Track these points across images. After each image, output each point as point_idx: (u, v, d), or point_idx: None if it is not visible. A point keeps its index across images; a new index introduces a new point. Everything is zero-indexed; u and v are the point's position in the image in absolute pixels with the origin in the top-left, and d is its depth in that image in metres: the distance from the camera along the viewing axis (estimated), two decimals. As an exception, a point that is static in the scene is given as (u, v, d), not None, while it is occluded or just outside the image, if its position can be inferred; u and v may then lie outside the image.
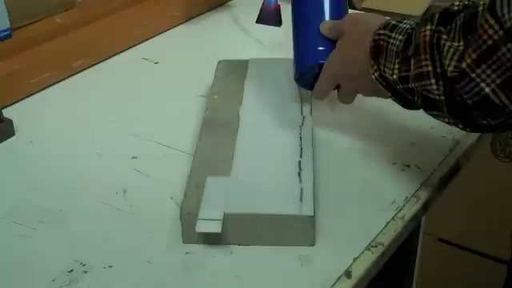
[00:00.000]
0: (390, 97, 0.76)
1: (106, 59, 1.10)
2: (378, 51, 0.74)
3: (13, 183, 0.83)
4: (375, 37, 0.75)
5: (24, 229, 0.75)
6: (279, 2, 1.03)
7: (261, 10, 1.03)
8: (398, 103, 0.76)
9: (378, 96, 0.80)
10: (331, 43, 0.82)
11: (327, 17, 0.84)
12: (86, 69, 1.07)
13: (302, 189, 0.73)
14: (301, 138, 0.81)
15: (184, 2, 1.22)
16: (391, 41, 0.73)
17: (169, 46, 1.15)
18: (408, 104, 0.75)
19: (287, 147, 0.80)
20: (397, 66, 0.71)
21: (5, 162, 0.87)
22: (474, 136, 0.89)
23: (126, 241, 0.73)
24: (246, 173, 0.76)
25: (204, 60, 1.05)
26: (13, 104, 0.98)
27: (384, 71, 0.73)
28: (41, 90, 1.01)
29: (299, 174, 0.75)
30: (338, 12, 0.85)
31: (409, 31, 0.71)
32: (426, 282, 1.18)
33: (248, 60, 0.98)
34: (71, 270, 0.69)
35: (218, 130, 0.84)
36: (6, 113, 0.92)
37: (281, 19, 1.03)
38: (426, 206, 0.79)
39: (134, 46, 1.14)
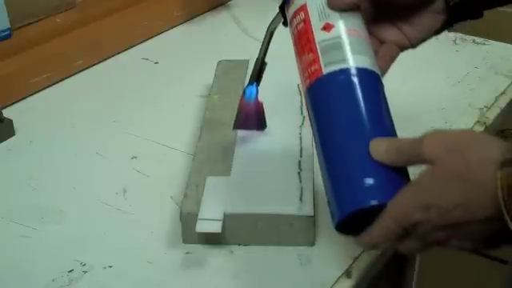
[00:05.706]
0: None
1: (105, 59, 1.10)
2: None
3: (13, 183, 0.83)
4: None
5: (24, 229, 0.75)
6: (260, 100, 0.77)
7: (238, 112, 0.77)
8: None
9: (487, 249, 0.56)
10: (388, 173, 0.55)
11: (373, 131, 0.56)
12: (85, 69, 1.07)
13: (301, 189, 0.73)
14: (301, 137, 0.81)
15: (184, 2, 1.22)
16: None
17: (169, 46, 1.15)
18: None
19: (287, 147, 0.80)
20: None
21: (5, 162, 0.87)
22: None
23: (126, 241, 0.73)
24: (246, 173, 0.76)
25: (204, 60, 1.05)
26: (13, 104, 0.98)
27: None
28: (41, 90, 1.01)
29: (299, 174, 0.75)
30: (387, 122, 0.59)
31: None
32: (426, 282, 1.18)
33: (248, 60, 0.98)
34: (71, 270, 0.69)
35: (217, 130, 0.84)
36: (6, 113, 0.92)
37: (265, 122, 0.78)
38: (425, 206, 0.78)
39: (134, 45, 1.14)
